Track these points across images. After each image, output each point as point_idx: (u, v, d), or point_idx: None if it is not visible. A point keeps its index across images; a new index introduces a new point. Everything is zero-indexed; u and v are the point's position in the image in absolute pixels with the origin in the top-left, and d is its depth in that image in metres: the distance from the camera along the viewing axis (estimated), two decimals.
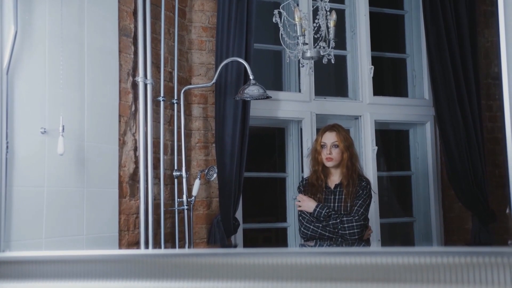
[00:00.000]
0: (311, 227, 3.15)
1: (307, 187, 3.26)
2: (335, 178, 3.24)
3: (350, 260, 1.55)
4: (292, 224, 3.99)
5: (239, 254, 1.67)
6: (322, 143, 3.23)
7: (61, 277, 1.83)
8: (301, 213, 3.21)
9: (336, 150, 3.20)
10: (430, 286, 1.46)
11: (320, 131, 3.32)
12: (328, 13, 3.34)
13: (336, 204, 3.17)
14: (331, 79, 4.44)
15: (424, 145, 4.31)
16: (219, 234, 3.54)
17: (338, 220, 3.09)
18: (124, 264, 1.77)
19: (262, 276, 1.62)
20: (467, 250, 1.45)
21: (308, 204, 3.18)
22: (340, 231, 3.08)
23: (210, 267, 1.67)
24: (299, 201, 3.22)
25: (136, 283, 1.75)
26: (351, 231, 3.06)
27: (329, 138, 3.22)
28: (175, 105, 3.52)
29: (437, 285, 1.45)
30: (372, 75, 4.15)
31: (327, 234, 3.11)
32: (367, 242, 3.19)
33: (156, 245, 3.18)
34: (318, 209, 3.14)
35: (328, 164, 3.21)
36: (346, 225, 3.07)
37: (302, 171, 3.96)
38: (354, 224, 3.07)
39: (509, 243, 1.48)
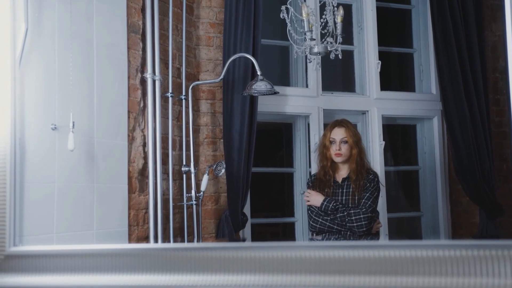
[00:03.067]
0: (320, 220, 3.17)
1: (315, 183, 3.29)
2: (343, 173, 3.25)
3: (358, 254, 1.57)
4: (299, 219, 4.01)
5: (248, 248, 1.69)
6: (331, 139, 3.24)
7: (72, 271, 1.86)
8: (310, 207, 3.24)
9: (345, 146, 3.22)
10: (437, 279, 1.47)
11: (329, 127, 3.32)
12: (335, 8, 3.35)
13: (344, 198, 3.19)
14: (338, 74, 4.44)
15: (431, 140, 4.31)
16: (227, 229, 3.56)
17: (345, 213, 3.11)
18: (134, 258, 1.80)
19: (271, 270, 1.64)
20: (474, 243, 1.46)
21: (316, 198, 3.21)
22: (347, 224, 3.10)
23: (219, 260, 1.69)
24: (307, 196, 3.25)
25: (146, 277, 1.77)
26: (359, 223, 3.08)
27: (338, 134, 3.23)
28: (183, 101, 3.54)
29: (445, 278, 1.47)
30: (379, 70, 4.15)
31: (335, 227, 3.13)
32: (376, 236, 3.21)
33: (165, 239, 3.21)
34: (325, 203, 3.16)
35: (337, 159, 3.23)
36: (353, 218, 3.09)
37: (310, 166, 3.97)
38: (362, 216, 3.09)
39: None
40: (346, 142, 3.22)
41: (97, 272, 1.83)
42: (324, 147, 3.26)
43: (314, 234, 3.24)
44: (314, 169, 3.49)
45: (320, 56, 3.46)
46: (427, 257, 1.49)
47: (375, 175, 3.24)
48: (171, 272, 1.74)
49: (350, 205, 3.15)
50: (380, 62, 4.15)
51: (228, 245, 1.75)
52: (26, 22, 2.26)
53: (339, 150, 3.21)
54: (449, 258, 1.47)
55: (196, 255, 1.73)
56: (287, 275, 1.63)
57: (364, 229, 3.09)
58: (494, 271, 1.43)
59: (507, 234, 3.96)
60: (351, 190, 3.19)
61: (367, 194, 3.15)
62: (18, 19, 2.19)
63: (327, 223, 3.15)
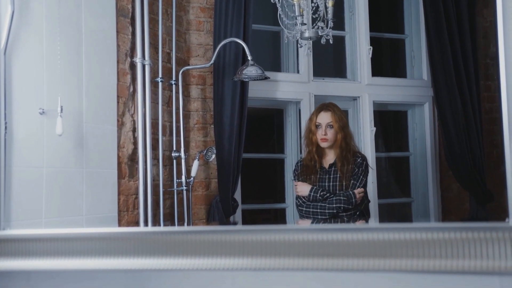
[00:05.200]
0: (304, 208, 3.18)
1: (302, 170, 3.28)
2: (329, 158, 3.25)
3: (347, 236, 1.56)
4: (290, 205, 4.01)
5: (239, 231, 1.68)
6: (317, 124, 3.23)
7: (61, 255, 1.84)
8: (298, 196, 3.24)
9: (331, 130, 3.20)
10: (427, 261, 1.47)
11: (315, 111, 3.31)
12: None
13: (331, 184, 3.19)
14: (330, 60, 4.43)
15: (422, 126, 4.31)
16: (218, 215, 3.56)
17: (335, 198, 3.11)
18: (123, 241, 1.78)
19: (261, 253, 1.64)
20: (464, 226, 1.46)
21: (303, 189, 3.21)
22: (336, 204, 3.10)
23: (209, 244, 1.68)
24: (297, 188, 3.26)
25: (135, 261, 1.76)
26: (350, 200, 3.09)
27: (324, 118, 3.22)
28: (174, 86, 3.51)
29: (433, 260, 1.47)
30: (370, 55, 4.14)
31: (318, 216, 3.13)
32: (363, 216, 3.21)
33: (155, 225, 3.20)
34: (312, 193, 3.17)
35: (323, 144, 3.22)
36: (342, 198, 3.10)
37: (301, 152, 3.95)
38: (351, 193, 3.10)
39: (506, 221, 1.49)
40: (332, 126, 3.20)
41: (85, 256, 1.82)
42: (310, 132, 3.25)
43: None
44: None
45: (311, 41, 3.43)
46: (415, 239, 1.49)
47: (363, 158, 3.24)
48: (161, 256, 1.73)
49: (337, 192, 3.16)
50: (371, 48, 4.14)
51: (218, 228, 1.73)
52: (12, 4, 2.22)
53: (325, 135, 3.19)
54: (437, 241, 1.47)
55: (186, 238, 1.72)
56: (277, 258, 1.62)
57: (354, 205, 3.09)
58: (482, 253, 1.43)
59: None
60: (338, 176, 3.19)
61: (357, 183, 3.15)
62: (3, 1, 2.16)
63: (311, 209, 3.15)
